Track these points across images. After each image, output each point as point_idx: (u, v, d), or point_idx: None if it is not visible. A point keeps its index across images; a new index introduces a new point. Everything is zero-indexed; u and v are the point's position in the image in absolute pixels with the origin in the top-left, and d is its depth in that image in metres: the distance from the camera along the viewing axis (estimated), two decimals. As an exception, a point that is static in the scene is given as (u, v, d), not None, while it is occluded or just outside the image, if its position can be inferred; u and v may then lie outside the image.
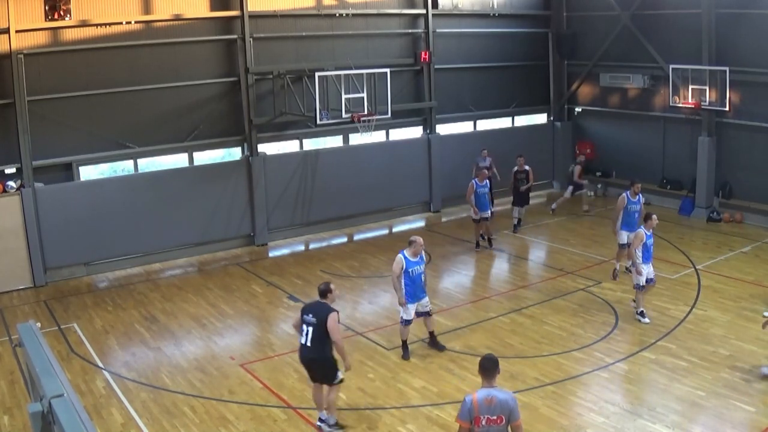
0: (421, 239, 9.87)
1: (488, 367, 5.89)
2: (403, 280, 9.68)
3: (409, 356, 10.05)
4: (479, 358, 6.03)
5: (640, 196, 12.96)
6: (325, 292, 7.99)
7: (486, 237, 15.51)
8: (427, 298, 10.06)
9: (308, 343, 7.81)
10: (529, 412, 8.45)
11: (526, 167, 16.48)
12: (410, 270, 9.71)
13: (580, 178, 17.78)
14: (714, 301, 11.92)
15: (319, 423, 8.20)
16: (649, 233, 10.93)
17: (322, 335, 7.73)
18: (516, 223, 16.72)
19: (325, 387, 8.04)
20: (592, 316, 11.47)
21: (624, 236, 12.70)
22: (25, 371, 8.68)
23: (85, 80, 14.04)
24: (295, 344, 10.67)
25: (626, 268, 12.78)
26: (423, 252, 9.98)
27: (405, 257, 9.71)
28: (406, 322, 9.94)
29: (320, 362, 7.89)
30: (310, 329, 7.76)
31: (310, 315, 7.81)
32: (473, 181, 15.05)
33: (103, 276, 14.48)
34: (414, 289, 9.78)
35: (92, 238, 14.18)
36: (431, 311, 10.19)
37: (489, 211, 15.23)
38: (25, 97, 13.28)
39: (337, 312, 7.87)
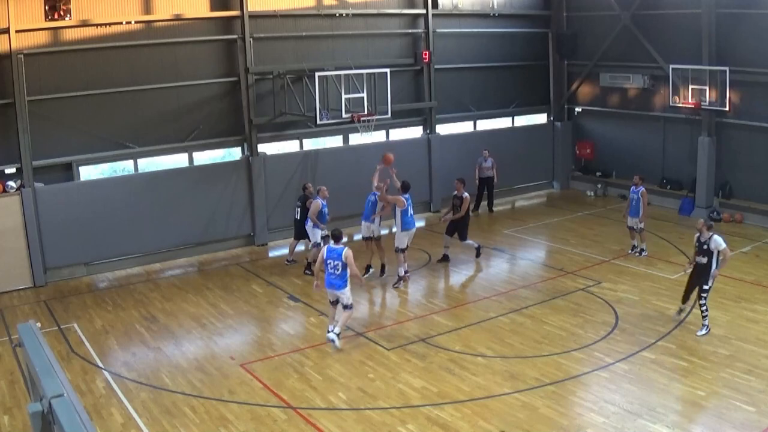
0: None
1: None
2: None
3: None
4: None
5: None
6: None
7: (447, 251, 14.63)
8: None
9: None
10: (529, 412, 8.47)
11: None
12: None
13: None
14: (714, 301, 11.88)
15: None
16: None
17: None
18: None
19: None
20: (592, 316, 11.47)
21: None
22: (25, 371, 8.68)
23: (85, 80, 14.04)
24: (296, 344, 10.78)
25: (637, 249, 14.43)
26: None
27: None
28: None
29: None
30: None
31: None
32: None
33: (103, 276, 14.48)
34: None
35: (92, 238, 14.18)
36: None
37: None
38: (25, 97, 13.28)
39: None
